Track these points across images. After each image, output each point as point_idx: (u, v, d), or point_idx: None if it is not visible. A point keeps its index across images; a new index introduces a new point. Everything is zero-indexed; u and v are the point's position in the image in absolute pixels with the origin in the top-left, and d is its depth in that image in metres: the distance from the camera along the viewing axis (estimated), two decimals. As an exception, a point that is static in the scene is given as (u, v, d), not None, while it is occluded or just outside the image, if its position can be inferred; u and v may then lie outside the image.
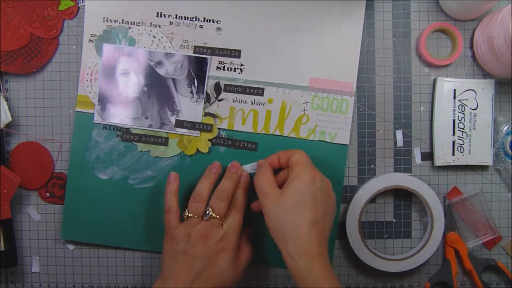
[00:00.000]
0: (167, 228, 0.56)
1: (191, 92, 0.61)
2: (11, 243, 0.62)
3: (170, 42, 0.61)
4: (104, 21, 0.62)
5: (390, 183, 0.61)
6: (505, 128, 0.62)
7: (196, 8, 0.61)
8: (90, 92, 0.62)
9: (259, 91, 0.61)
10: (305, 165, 0.53)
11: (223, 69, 0.61)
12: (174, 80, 0.61)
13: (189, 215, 0.55)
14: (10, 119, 0.61)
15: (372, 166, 0.62)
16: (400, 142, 0.62)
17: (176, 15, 0.61)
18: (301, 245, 0.49)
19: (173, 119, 0.61)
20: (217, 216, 0.55)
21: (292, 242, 0.50)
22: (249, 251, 0.58)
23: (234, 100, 0.62)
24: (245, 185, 0.58)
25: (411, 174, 0.62)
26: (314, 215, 0.50)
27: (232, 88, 0.61)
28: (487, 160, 0.61)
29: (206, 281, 0.53)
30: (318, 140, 0.61)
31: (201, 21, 0.61)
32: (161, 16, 0.61)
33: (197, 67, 0.61)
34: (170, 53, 0.61)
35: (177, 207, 0.56)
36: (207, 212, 0.55)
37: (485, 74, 0.62)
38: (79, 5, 0.62)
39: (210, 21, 0.61)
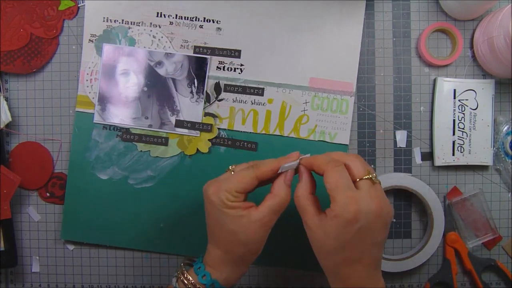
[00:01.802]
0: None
1: (191, 92, 0.61)
2: (11, 243, 0.62)
3: (170, 42, 0.61)
4: (104, 21, 0.62)
5: (390, 183, 0.60)
6: (505, 128, 0.61)
7: (196, 8, 0.61)
8: (90, 92, 0.62)
9: (259, 91, 0.61)
10: (341, 197, 0.43)
11: (223, 69, 0.61)
12: (174, 80, 0.61)
13: None
14: (10, 119, 0.61)
15: (372, 166, 0.62)
16: (400, 143, 0.62)
17: (176, 15, 0.61)
18: (343, 283, 0.45)
19: (173, 119, 0.61)
20: None
21: (333, 278, 0.46)
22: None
23: (234, 100, 0.62)
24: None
25: (411, 174, 0.62)
26: (358, 254, 0.44)
27: (232, 88, 0.61)
28: (487, 160, 0.61)
29: None
30: (318, 140, 0.61)
31: (201, 21, 0.61)
32: (161, 16, 0.61)
33: (197, 67, 0.61)
34: (170, 53, 0.61)
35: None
36: None
37: (485, 74, 0.62)
38: (79, 5, 0.62)
39: (210, 21, 0.61)
